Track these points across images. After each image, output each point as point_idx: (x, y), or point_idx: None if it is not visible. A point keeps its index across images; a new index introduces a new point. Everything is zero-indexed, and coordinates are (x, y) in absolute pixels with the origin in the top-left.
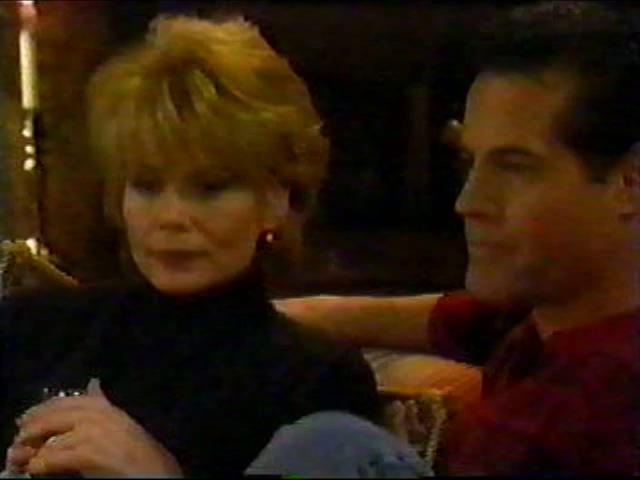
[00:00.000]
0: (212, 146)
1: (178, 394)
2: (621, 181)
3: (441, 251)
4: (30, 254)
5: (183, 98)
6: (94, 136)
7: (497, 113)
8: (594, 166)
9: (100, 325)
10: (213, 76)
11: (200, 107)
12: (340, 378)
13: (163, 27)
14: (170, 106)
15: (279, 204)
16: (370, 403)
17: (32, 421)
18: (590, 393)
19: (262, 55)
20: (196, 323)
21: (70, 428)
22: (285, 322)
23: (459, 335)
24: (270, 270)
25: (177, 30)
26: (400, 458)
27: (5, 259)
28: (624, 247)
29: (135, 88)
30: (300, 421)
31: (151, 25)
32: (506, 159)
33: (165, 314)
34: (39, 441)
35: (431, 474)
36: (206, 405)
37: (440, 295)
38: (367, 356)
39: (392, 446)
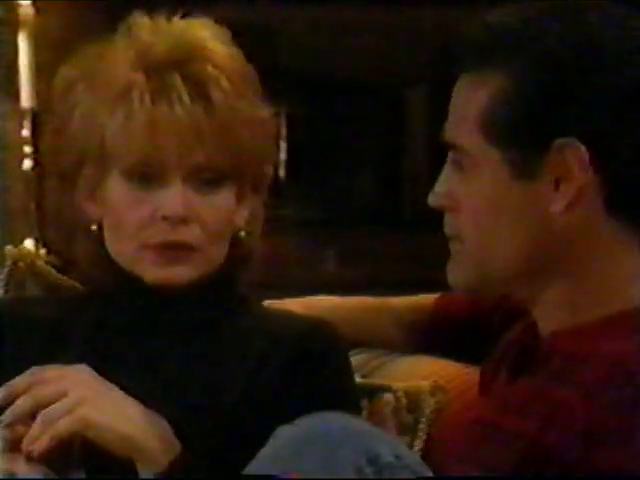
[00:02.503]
0: (225, 139)
1: (161, 386)
2: (549, 178)
3: (440, 251)
4: (32, 259)
5: (199, 91)
6: (76, 126)
7: (450, 111)
8: (518, 163)
9: (82, 328)
10: (223, 70)
11: (217, 99)
12: (305, 353)
13: (150, 25)
14: (187, 98)
15: (250, 202)
16: (340, 377)
17: (14, 396)
18: (588, 392)
19: (241, 54)
20: (176, 316)
21: (64, 396)
22: (258, 309)
23: (457, 334)
24: (239, 266)
25: (178, 27)
26: (398, 458)
27: (7, 264)
28: (581, 243)
29: (144, 81)
30: (297, 421)
31: (127, 23)
32: (450, 155)
33: (147, 308)
34: (27, 417)
35: (429, 473)
36: (191, 391)
37: (438, 295)
38: (366, 356)
39: (390, 446)
